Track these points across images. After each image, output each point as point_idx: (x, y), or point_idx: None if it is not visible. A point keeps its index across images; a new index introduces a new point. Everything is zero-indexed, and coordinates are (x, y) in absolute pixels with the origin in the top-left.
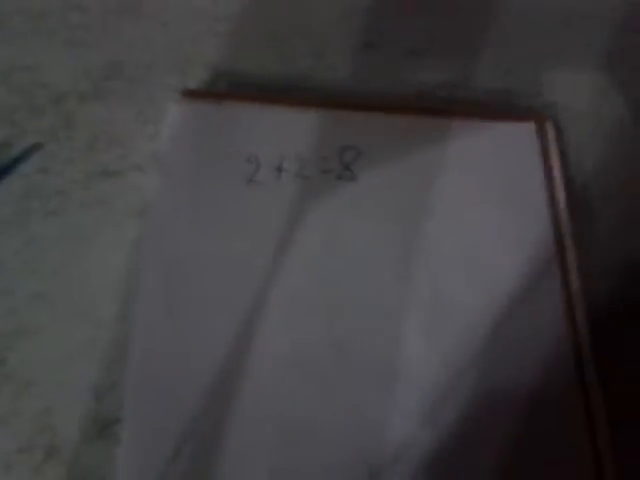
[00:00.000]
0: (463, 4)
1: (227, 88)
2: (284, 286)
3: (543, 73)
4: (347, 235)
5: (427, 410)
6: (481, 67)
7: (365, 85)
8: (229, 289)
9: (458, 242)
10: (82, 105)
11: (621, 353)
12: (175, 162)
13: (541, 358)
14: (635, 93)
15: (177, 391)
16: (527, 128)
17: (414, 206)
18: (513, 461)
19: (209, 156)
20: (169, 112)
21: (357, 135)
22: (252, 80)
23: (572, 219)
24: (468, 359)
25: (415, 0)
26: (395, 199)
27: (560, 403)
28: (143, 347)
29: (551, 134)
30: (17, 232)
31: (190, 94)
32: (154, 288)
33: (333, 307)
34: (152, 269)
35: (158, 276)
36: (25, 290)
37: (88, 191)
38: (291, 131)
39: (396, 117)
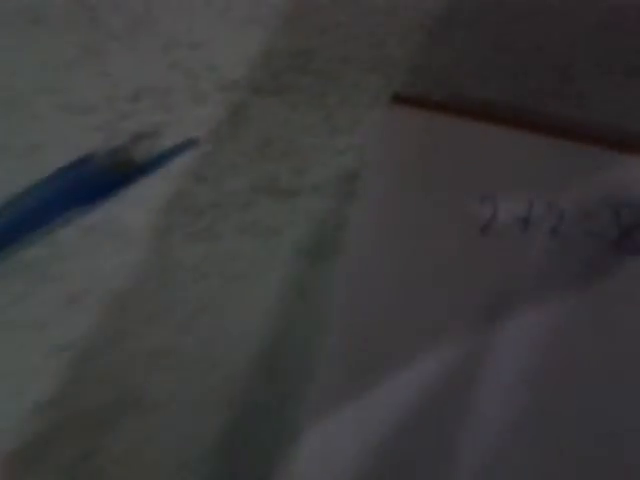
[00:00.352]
0: None
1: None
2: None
3: None
4: (620, 332)
5: None
6: None
7: (629, 121)
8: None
9: None
10: (255, 99)
11: None
12: (376, 190)
13: None
14: None
15: None
16: None
17: None
18: None
19: (426, 186)
20: (368, 121)
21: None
22: (473, 96)
23: None
24: None
25: None
26: None
27: None
28: None
29: None
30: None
31: (402, 101)
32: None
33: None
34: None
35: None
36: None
37: (248, 211)
38: (542, 168)
39: None
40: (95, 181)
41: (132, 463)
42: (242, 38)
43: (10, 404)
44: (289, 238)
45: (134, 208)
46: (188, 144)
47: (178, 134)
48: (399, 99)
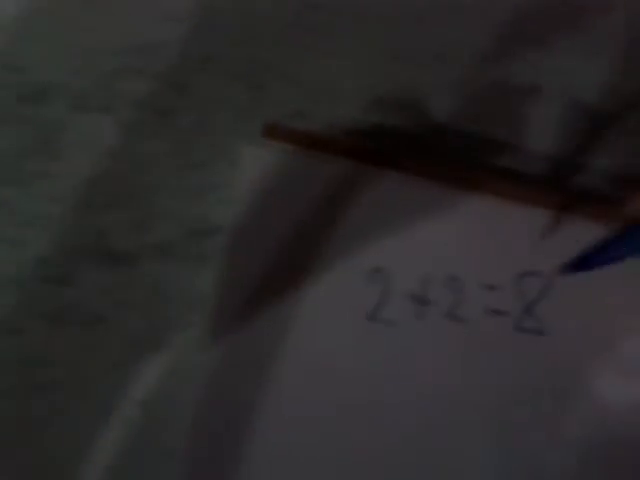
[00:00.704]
0: None
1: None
2: None
3: None
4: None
5: None
6: None
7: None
8: None
9: None
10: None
11: None
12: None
13: None
14: None
15: None
16: None
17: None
18: None
19: (304, 250)
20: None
21: (544, 254)
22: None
23: None
24: None
25: None
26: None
27: None
28: None
29: None
30: None
31: (275, 132)
32: None
33: None
34: None
35: None
36: None
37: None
38: (445, 234)
39: None
40: None
41: None
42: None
43: None
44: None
45: None
46: None
47: None
48: (271, 130)
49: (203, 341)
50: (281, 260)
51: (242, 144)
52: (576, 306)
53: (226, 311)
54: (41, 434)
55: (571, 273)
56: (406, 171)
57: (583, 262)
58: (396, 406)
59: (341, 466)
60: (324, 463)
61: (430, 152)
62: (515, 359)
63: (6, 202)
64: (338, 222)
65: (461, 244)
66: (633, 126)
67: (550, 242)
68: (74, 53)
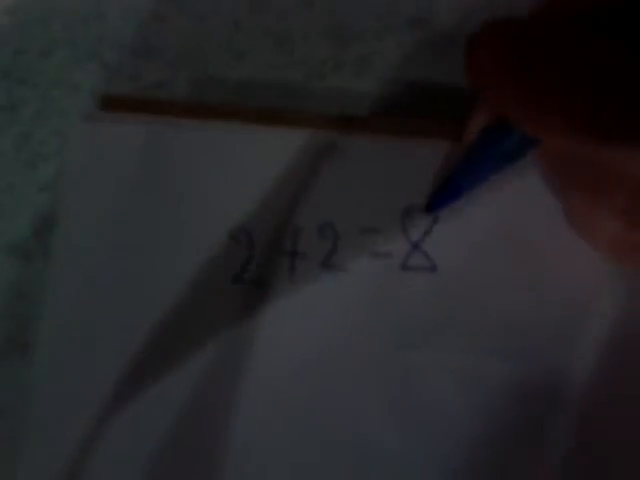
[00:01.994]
0: None
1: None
2: None
3: None
4: None
5: None
6: None
7: None
8: None
9: None
10: None
11: None
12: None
13: None
14: None
15: None
16: None
17: None
18: None
19: (151, 219)
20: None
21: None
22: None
23: None
24: None
25: None
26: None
27: None
28: None
29: None
30: None
31: (112, 103)
32: None
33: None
34: None
35: None
36: None
37: None
38: (295, 168)
39: None
40: None
41: None
42: None
43: None
44: None
45: None
46: None
47: None
48: (109, 100)
49: None
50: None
51: (78, 123)
52: (463, 237)
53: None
54: None
55: (435, 210)
56: (262, 122)
57: (443, 193)
58: (276, 378)
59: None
60: None
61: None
62: (404, 299)
63: None
64: (185, 185)
65: (330, 190)
66: None
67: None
68: None
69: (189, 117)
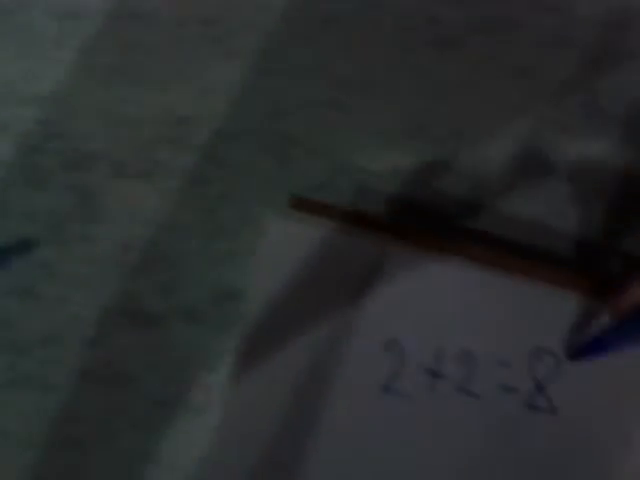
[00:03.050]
0: None
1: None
2: None
3: None
4: None
5: None
6: None
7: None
8: None
9: None
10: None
11: None
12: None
13: None
14: None
15: None
16: None
17: None
18: None
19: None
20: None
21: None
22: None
23: None
24: None
25: None
26: None
27: None
28: None
29: None
30: None
31: (302, 205)
32: None
33: None
34: None
35: None
36: None
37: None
38: (461, 309)
39: None
40: None
41: None
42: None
43: None
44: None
45: None
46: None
47: None
48: (299, 203)
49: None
50: (298, 327)
51: (269, 214)
52: (587, 388)
53: (247, 368)
54: None
55: (578, 358)
56: (427, 246)
57: (589, 348)
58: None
59: None
60: None
61: (448, 228)
62: (526, 436)
63: (47, 263)
64: (361, 296)
65: (475, 319)
66: None
67: (563, 322)
68: (116, 122)
69: (378, 234)
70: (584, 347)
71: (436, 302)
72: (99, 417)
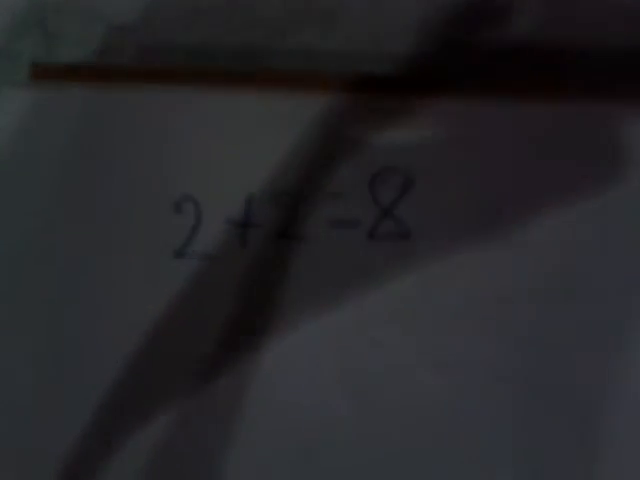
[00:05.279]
0: None
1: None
2: None
3: None
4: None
5: None
6: None
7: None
8: None
9: None
10: None
11: None
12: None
13: None
14: None
15: None
16: None
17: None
18: None
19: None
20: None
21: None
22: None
23: None
24: None
25: None
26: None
27: None
28: None
29: None
30: None
31: (45, 72)
32: None
33: None
34: None
35: None
36: None
37: None
38: (266, 142)
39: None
40: None
41: None
42: None
43: None
44: None
45: None
46: None
47: None
48: (42, 70)
49: None
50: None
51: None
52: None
53: None
54: None
55: None
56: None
57: None
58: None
59: None
60: None
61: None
62: (372, 270)
63: None
64: (133, 152)
65: (289, 155)
66: None
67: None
68: None
69: (132, 83)
70: None
71: (229, 146)
72: None
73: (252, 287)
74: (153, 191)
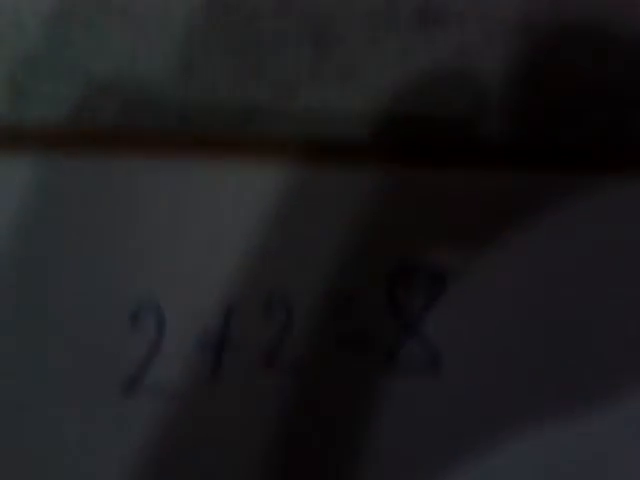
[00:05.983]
0: None
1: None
2: None
3: None
4: None
5: None
6: None
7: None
8: None
9: None
10: None
11: None
12: None
13: None
14: None
15: None
16: None
17: None
18: None
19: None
20: None
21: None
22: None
23: None
24: None
25: None
26: None
27: None
28: None
29: None
30: None
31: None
32: None
33: None
34: None
35: None
36: None
37: None
38: (255, 229)
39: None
40: None
41: None
42: None
43: None
44: None
45: None
46: None
47: None
48: None
49: None
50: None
51: None
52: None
53: None
54: None
55: None
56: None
57: None
58: None
59: None
60: None
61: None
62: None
63: None
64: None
65: (283, 248)
66: None
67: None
68: None
69: (91, 149)
70: None
71: (205, 234)
72: None
73: (226, 437)
74: (103, 293)
